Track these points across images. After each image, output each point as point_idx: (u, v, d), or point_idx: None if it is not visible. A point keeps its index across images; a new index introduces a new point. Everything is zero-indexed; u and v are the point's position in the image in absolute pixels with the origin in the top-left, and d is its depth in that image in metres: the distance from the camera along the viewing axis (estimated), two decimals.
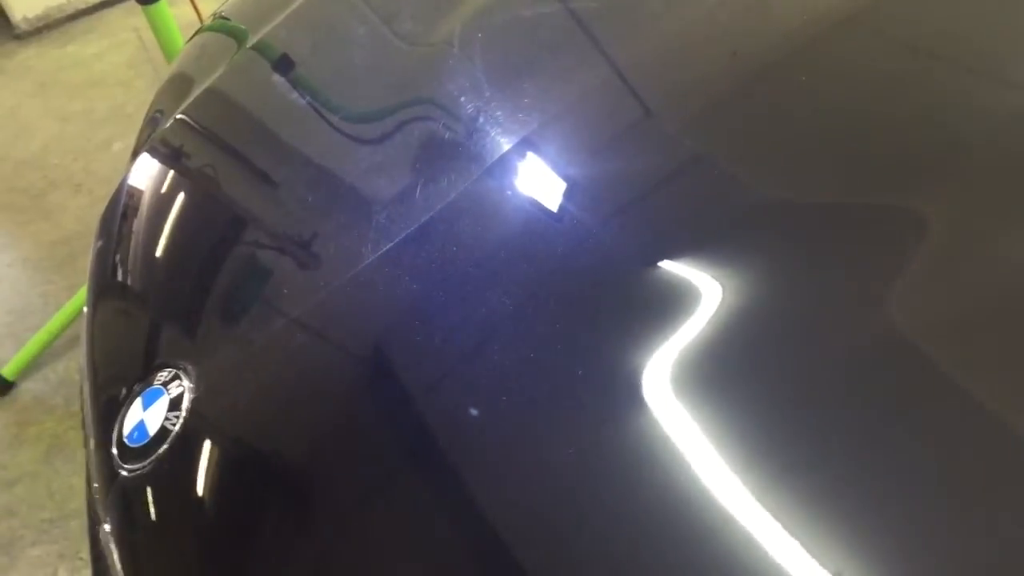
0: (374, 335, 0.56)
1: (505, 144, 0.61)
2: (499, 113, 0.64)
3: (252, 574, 0.50)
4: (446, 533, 0.46)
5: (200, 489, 0.53)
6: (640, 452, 0.42)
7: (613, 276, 0.51)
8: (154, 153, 0.86)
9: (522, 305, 0.51)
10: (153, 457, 0.55)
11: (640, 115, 0.62)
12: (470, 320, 0.52)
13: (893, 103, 0.54)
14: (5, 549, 1.53)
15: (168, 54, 1.66)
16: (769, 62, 0.59)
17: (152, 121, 0.95)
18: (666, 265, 0.49)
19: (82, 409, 0.70)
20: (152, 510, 0.55)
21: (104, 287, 0.77)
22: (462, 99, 0.67)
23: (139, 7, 1.60)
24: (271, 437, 0.55)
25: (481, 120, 0.64)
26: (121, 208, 0.83)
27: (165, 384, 0.59)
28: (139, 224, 0.79)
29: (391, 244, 0.58)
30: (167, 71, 1.08)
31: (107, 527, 0.57)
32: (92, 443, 0.63)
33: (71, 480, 1.63)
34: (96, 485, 0.59)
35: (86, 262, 0.83)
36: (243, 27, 0.97)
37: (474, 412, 0.48)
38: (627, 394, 0.44)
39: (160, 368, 0.61)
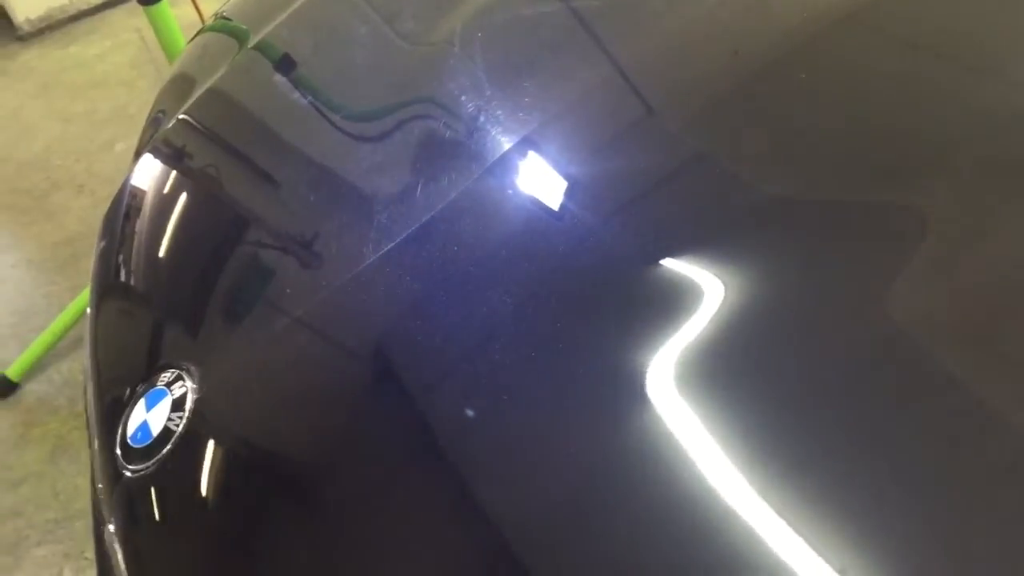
0: (376, 335, 0.56)
1: (506, 143, 0.61)
2: (500, 112, 0.64)
3: (255, 574, 0.51)
4: (450, 532, 0.46)
5: (203, 489, 0.53)
6: (643, 450, 0.42)
7: (614, 275, 0.51)
8: (156, 153, 0.86)
9: (523, 304, 0.51)
10: (156, 458, 0.55)
11: (641, 114, 0.61)
12: (472, 319, 0.52)
13: (895, 101, 0.54)
14: (11, 549, 1.54)
15: (170, 54, 1.66)
16: (770, 60, 0.59)
17: (154, 121, 0.95)
18: (668, 264, 0.49)
19: (86, 410, 0.70)
20: (156, 510, 0.55)
21: (107, 288, 0.78)
22: (463, 98, 0.67)
23: (141, 7, 1.60)
24: (273, 437, 0.55)
25: (482, 119, 0.64)
26: (124, 209, 0.83)
27: (168, 385, 0.59)
28: (142, 224, 0.79)
29: (392, 244, 0.58)
30: (169, 71, 1.08)
31: (111, 527, 0.57)
32: (96, 444, 0.63)
33: (76, 480, 1.63)
34: (100, 485, 0.59)
35: (89, 263, 0.83)
36: (244, 27, 0.97)
37: (476, 411, 0.48)
38: (629, 393, 0.44)
39: (163, 369, 0.61)
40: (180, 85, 0.97)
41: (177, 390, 0.58)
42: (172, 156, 0.84)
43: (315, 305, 0.58)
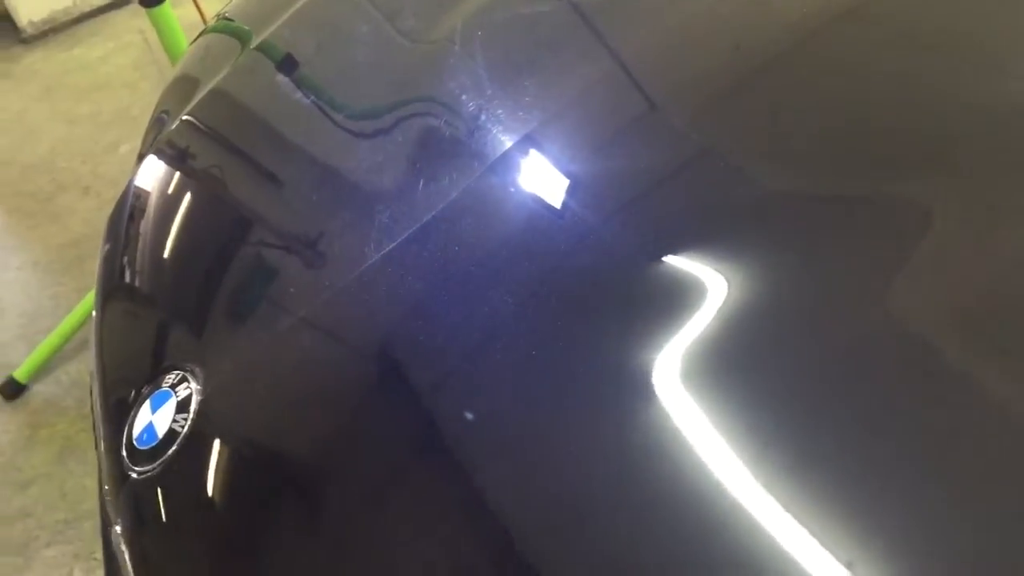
0: (379, 335, 0.56)
1: (507, 141, 0.61)
2: (501, 110, 0.64)
3: (261, 574, 0.51)
4: (455, 530, 0.46)
5: (209, 490, 0.54)
6: (646, 448, 0.42)
7: (617, 273, 0.51)
8: (160, 155, 0.86)
9: (525, 303, 0.51)
10: (162, 459, 0.56)
11: (643, 110, 0.61)
12: (474, 318, 0.52)
13: (897, 96, 0.54)
14: (20, 550, 1.54)
15: (172, 56, 1.66)
16: (772, 55, 0.59)
17: (158, 123, 0.95)
18: (670, 261, 0.49)
19: (92, 411, 0.70)
20: (162, 511, 0.55)
21: (112, 289, 0.78)
22: (464, 97, 0.67)
23: (143, 9, 1.60)
24: (278, 437, 0.56)
25: (483, 117, 0.64)
26: (128, 210, 0.83)
27: (173, 386, 0.59)
28: (146, 226, 0.79)
29: (394, 243, 0.58)
30: (171, 73, 1.08)
31: (118, 528, 0.57)
32: (102, 445, 0.63)
33: (84, 481, 1.64)
34: (107, 487, 0.60)
35: (95, 264, 0.83)
36: (247, 28, 0.97)
37: (479, 410, 0.48)
38: (632, 390, 0.44)
39: (168, 370, 0.61)
40: (183, 86, 0.97)
41: (182, 391, 0.58)
42: (175, 157, 0.84)
43: (318, 305, 0.58)
